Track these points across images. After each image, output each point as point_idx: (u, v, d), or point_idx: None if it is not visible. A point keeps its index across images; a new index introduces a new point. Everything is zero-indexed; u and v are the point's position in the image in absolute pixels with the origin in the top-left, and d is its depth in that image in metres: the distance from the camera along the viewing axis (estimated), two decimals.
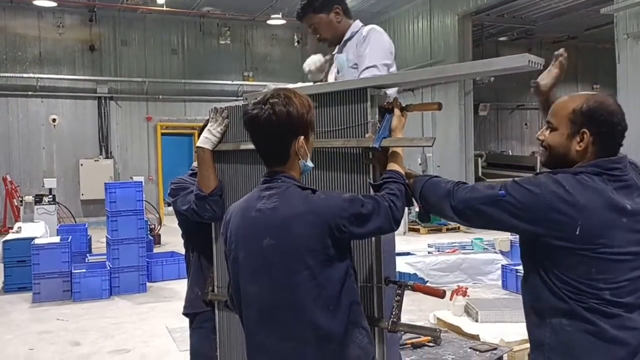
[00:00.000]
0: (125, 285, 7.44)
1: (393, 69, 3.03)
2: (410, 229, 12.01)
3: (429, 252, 8.39)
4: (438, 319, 5.35)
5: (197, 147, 2.73)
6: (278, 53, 17.25)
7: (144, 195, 7.92)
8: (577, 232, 1.72)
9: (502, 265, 7.33)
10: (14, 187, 12.96)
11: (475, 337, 4.35)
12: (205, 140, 2.71)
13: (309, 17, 3.15)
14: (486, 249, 8.17)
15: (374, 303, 2.19)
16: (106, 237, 7.96)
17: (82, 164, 14.80)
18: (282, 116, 1.88)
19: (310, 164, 1.99)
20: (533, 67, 1.90)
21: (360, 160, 2.19)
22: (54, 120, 14.77)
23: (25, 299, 7.24)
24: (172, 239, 10.67)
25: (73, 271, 7.29)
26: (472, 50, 13.88)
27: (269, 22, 15.77)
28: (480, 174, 14.74)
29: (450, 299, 5.29)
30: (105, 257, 8.19)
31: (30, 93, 14.50)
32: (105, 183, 8.07)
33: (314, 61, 3.09)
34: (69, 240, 7.66)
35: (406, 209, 2.09)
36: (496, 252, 7.88)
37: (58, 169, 14.69)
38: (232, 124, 2.71)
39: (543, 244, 1.78)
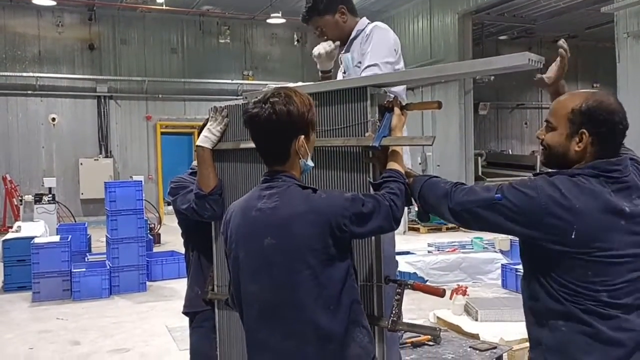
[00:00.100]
0: (125, 285, 7.44)
1: (399, 66, 3.01)
2: (410, 228, 12.02)
3: (428, 252, 8.39)
4: (438, 318, 5.35)
5: (197, 146, 2.73)
6: (278, 52, 17.24)
7: (143, 195, 7.92)
8: (573, 236, 1.70)
9: (501, 264, 7.33)
10: (13, 187, 12.96)
11: (475, 336, 4.35)
12: (205, 139, 2.71)
13: (315, 20, 3.14)
14: (486, 248, 8.17)
15: (374, 302, 2.19)
16: (106, 236, 7.96)
17: (81, 163, 14.80)
18: (282, 115, 1.88)
19: (310, 163, 1.99)
20: (533, 66, 1.89)
21: (360, 159, 2.19)
22: (53, 119, 14.76)
23: (25, 298, 7.24)
24: (172, 238, 10.67)
25: (73, 270, 7.29)
26: (472, 49, 13.88)
27: (269, 21, 15.77)
28: (480, 173, 14.73)
29: (450, 298, 5.29)
30: (105, 256, 8.19)
31: (29, 92, 14.49)
32: (105, 182, 8.06)
33: (323, 47, 3.06)
34: (68, 240, 7.65)
35: (406, 208, 2.09)
36: (496, 251, 7.88)
37: (58, 168, 14.68)
38: (232, 122, 2.70)
39: (540, 247, 1.78)
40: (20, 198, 11.53)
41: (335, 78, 3.16)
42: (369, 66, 2.87)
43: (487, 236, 8.59)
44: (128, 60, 15.49)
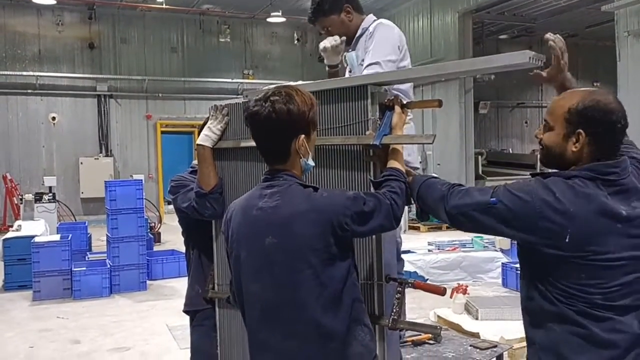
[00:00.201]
0: (125, 283, 7.44)
1: (405, 62, 3.01)
2: (410, 227, 12.01)
3: (429, 250, 8.39)
4: (438, 316, 5.35)
5: (197, 144, 2.73)
6: (278, 51, 17.24)
7: (144, 194, 7.92)
8: (567, 240, 1.69)
9: (502, 263, 7.33)
10: (14, 185, 12.96)
11: (476, 335, 4.35)
12: (206, 137, 2.71)
13: (321, 20, 3.15)
14: (486, 247, 8.17)
15: (374, 300, 2.19)
16: (106, 235, 7.96)
17: (82, 162, 14.80)
18: (282, 114, 1.87)
19: (311, 162, 1.98)
20: (534, 64, 1.89)
21: (361, 158, 2.19)
22: (53, 118, 14.76)
23: (26, 297, 7.24)
24: (172, 237, 10.67)
25: (73, 269, 7.29)
26: (473, 48, 13.86)
27: (269, 19, 15.76)
28: (480, 172, 14.72)
29: (451, 297, 5.29)
30: (105, 255, 8.19)
31: (29, 91, 14.49)
32: (105, 181, 8.06)
33: (329, 41, 3.05)
34: (69, 239, 7.65)
35: (406, 207, 2.09)
36: (496, 250, 7.88)
37: (58, 167, 14.68)
38: (232, 121, 2.70)
39: (535, 250, 1.78)
40: (20, 197, 11.53)
41: (344, 74, 3.15)
42: (370, 64, 2.87)
43: (488, 235, 8.58)
44: (128, 59, 15.48)
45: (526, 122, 19.27)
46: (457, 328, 4.80)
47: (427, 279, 6.97)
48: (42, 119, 14.66)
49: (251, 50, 16.90)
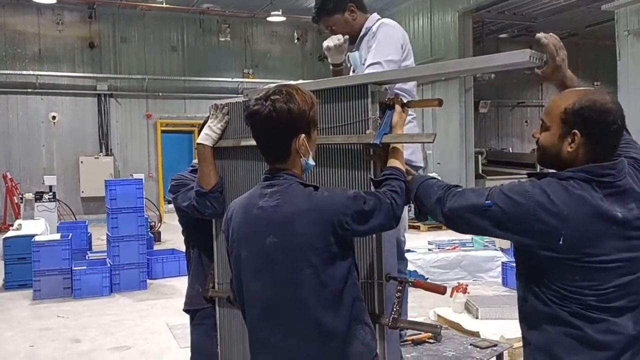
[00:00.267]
0: (125, 283, 7.44)
1: (408, 62, 3.00)
2: (410, 226, 12.00)
3: (429, 250, 8.38)
4: (438, 315, 5.36)
5: (198, 143, 2.72)
6: (278, 50, 17.23)
7: (144, 193, 7.92)
8: (561, 242, 1.69)
9: (502, 262, 7.34)
10: (14, 185, 12.96)
11: (476, 334, 4.35)
12: (206, 136, 2.71)
13: (325, 20, 3.15)
14: (486, 246, 8.17)
15: (374, 299, 2.19)
16: (106, 234, 7.96)
17: (82, 162, 14.80)
18: (282, 113, 1.87)
19: (311, 162, 1.98)
20: (534, 63, 1.89)
21: (361, 157, 2.19)
22: (53, 117, 14.76)
23: (26, 296, 7.24)
24: (173, 236, 10.68)
25: (73, 268, 7.29)
26: (473, 47, 13.85)
27: (269, 19, 15.75)
28: (480, 171, 14.71)
29: (451, 296, 5.29)
30: (105, 254, 8.19)
31: (30, 90, 14.49)
32: (105, 180, 8.07)
33: (332, 40, 3.06)
34: (69, 238, 7.66)
35: (406, 206, 2.09)
36: (496, 249, 7.88)
37: (58, 166, 14.68)
38: (233, 120, 2.70)
39: (530, 251, 1.78)
40: (20, 196, 11.53)
41: (348, 73, 3.15)
42: (372, 64, 2.87)
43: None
44: (128, 59, 15.48)
45: (526, 122, 19.27)
46: (457, 327, 4.81)
47: (427, 278, 6.97)
48: (42, 118, 14.66)
49: (251, 50, 16.90)
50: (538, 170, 1.90)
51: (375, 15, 3.16)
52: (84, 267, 7.45)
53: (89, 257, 8.59)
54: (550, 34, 1.97)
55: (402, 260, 3.00)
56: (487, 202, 1.76)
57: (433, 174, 11.88)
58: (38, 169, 14.43)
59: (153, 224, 11.11)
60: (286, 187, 1.91)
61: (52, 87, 14.70)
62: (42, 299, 7.07)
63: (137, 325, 6.09)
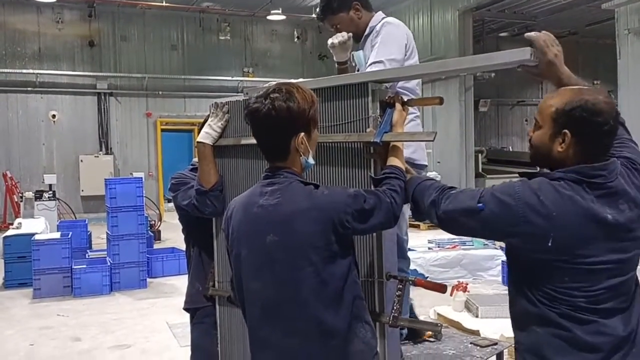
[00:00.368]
0: (125, 281, 7.45)
1: (412, 61, 3.00)
2: (410, 225, 11.92)
3: (429, 248, 8.38)
4: (438, 314, 5.36)
5: (198, 142, 2.72)
6: (278, 49, 17.22)
7: (144, 191, 7.92)
8: (550, 244, 1.67)
9: (502, 261, 7.33)
10: (14, 183, 12.95)
11: (476, 333, 4.35)
12: (206, 135, 2.70)
13: (330, 18, 3.16)
14: (486, 245, 8.17)
15: (375, 298, 2.19)
16: (106, 233, 7.96)
17: (82, 160, 14.80)
18: (281, 111, 1.87)
19: (311, 160, 1.98)
20: (535, 62, 1.88)
21: (362, 155, 2.18)
22: (53, 116, 14.75)
23: (26, 295, 7.24)
24: (173, 235, 10.68)
25: (73, 267, 7.29)
26: (473, 46, 13.85)
27: (269, 17, 15.74)
28: (480, 170, 14.71)
29: (451, 295, 5.30)
30: (105, 253, 8.20)
31: (29, 89, 14.48)
32: (105, 179, 8.07)
33: (337, 38, 3.06)
34: (69, 236, 7.66)
35: (407, 204, 2.09)
36: (496, 248, 7.88)
37: (58, 165, 14.67)
38: (233, 118, 2.70)
39: (520, 253, 1.77)
40: (20, 195, 11.53)
41: (353, 71, 3.16)
42: (374, 62, 2.87)
43: None
44: (128, 57, 15.47)
45: (526, 120, 19.25)
46: (457, 326, 4.81)
47: (427, 277, 6.97)
48: (42, 116, 14.65)
49: (251, 48, 16.89)
50: (525, 171, 1.87)
51: (380, 14, 3.16)
52: (84, 266, 7.46)
53: (89, 255, 8.58)
54: (543, 32, 1.94)
55: (404, 259, 3.00)
56: (479, 204, 1.76)
57: (433, 173, 11.89)
58: (38, 168, 14.43)
59: (153, 222, 11.11)
60: (286, 185, 1.90)
61: (52, 86, 14.69)
62: (42, 298, 7.07)
63: (137, 323, 6.09)
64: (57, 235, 7.98)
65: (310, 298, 1.84)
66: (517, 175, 1.88)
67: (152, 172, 15.60)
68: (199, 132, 2.77)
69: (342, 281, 1.87)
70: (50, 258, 7.18)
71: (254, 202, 1.93)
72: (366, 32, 3.11)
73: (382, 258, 2.17)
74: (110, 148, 15.29)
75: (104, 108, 15.19)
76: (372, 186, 2.07)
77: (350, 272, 1.90)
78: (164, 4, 14.35)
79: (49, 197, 10.93)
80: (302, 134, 1.92)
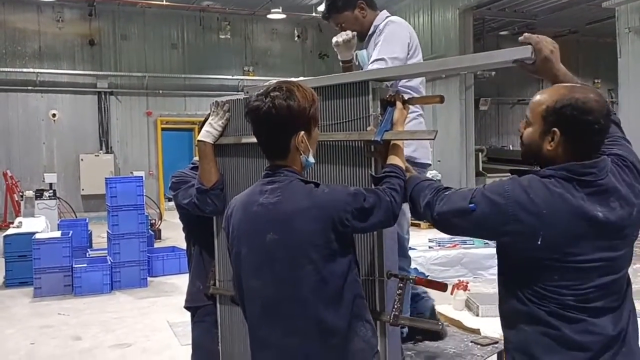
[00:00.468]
0: (126, 280, 7.45)
1: (415, 60, 2.99)
2: (411, 224, 11.99)
3: (429, 247, 8.38)
4: (439, 313, 5.35)
5: (199, 140, 2.72)
6: (278, 47, 17.21)
7: (144, 190, 7.93)
8: (540, 242, 1.67)
9: None
10: (14, 182, 12.96)
11: (476, 331, 4.35)
12: (207, 133, 2.70)
13: (335, 17, 3.17)
14: (487, 243, 8.15)
15: (375, 296, 2.19)
16: (107, 231, 7.97)
17: (82, 159, 14.80)
18: (281, 110, 1.87)
19: (312, 159, 1.98)
20: (533, 58, 1.87)
21: (362, 154, 2.18)
22: (54, 115, 14.75)
23: (26, 294, 7.25)
24: (173, 234, 10.68)
25: (74, 266, 7.30)
26: (473, 44, 13.84)
27: (269, 16, 15.73)
28: (480, 168, 14.71)
29: (451, 294, 5.29)
30: (106, 251, 8.20)
31: (30, 88, 14.47)
32: (105, 178, 8.07)
33: (341, 36, 3.07)
34: (69, 235, 7.66)
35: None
36: None
37: (58, 164, 14.67)
38: (234, 117, 2.70)
39: (509, 250, 1.77)
40: (21, 194, 11.53)
41: (357, 70, 3.16)
42: (376, 60, 2.87)
43: None
44: (128, 56, 15.46)
45: None
46: (458, 324, 4.80)
47: (428, 276, 6.97)
48: (42, 115, 14.65)
49: (251, 47, 16.87)
50: (515, 168, 1.86)
51: (384, 13, 3.16)
52: (85, 265, 7.46)
53: (89, 254, 8.59)
54: (537, 35, 1.92)
55: (405, 257, 3.00)
56: (470, 205, 1.75)
57: (433, 172, 11.89)
58: (38, 167, 14.42)
59: (153, 221, 11.11)
60: (286, 183, 1.90)
61: (52, 85, 14.68)
62: (43, 297, 7.07)
63: (138, 322, 6.09)
64: (57, 234, 7.99)
65: (310, 296, 1.84)
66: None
67: (152, 171, 15.60)
68: (199, 131, 2.77)
69: (342, 280, 1.87)
70: (50, 257, 7.19)
71: (254, 201, 1.93)
72: (370, 31, 3.11)
73: (383, 256, 2.17)
74: (111, 147, 15.29)
75: (105, 107, 15.19)
76: (372, 185, 2.07)
77: (351, 270, 1.90)
78: (164, 2, 14.35)
79: (49, 196, 10.94)
80: (302, 132, 1.91)
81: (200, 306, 2.99)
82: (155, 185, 15.41)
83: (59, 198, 11.48)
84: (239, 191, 2.17)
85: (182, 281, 5.93)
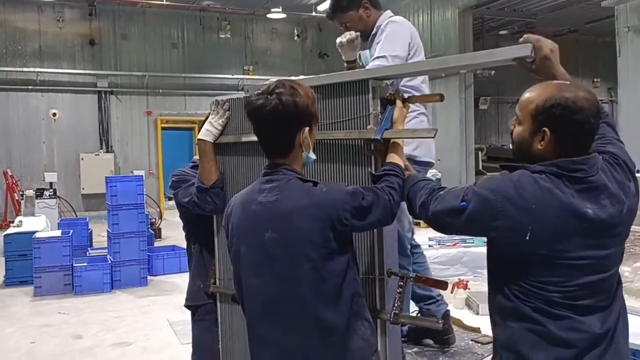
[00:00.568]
0: (126, 279, 7.46)
1: (416, 59, 3.00)
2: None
3: (429, 246, 8.38)
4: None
5: (199, 139, 2.73)
6: (278, 47, 17.21)
7: (144, 189, 7.93)
8: (528, 237, 1.66)
9: None
10: (14, 182, 12.96)
11: (476, 330, 4.35)
12: (207, 132, 2.71)
13: (339, 16, 3.18)
14: (486, 242, 8.17)
15: (376, 295, 2.19)
16: (107, 230, 7.97)
17: (82, 158, 14.80)
18: (289, 106, 1.87)
19: (312, 155, 1.99)
20: (532, 56, 1.88)
21: (362, 152, 2.19)
22: (54, 114, 14.74)
23: (27, 293, 7.25)
24: (173, 233, 10.68)
25: (74, 265, 7.30)
26: (473, 43, 13.83)
27: (269, 16, 15.72)
28: (480, 167, 14.71)
29: (451, 292, 5.31)
30: (106, 250, 8.21)
31: (30, 87, 14.46)
32: (105, 177, 8.07)
33: (345, 36, 3.07)
34: (70, 234, 7.67)
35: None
36: None
37: (58, 163, 14.67)
38: (234, 116, 2.70)
39: (498, 246, 1.77)
40: (21, 193, 11.54)
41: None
42: (376, 57, 2.88)
43: None
44: (128, 56, 15.46)
45: None
46: (458, 323, 4.79)
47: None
48: (42, 115, 14.65)
49: (251, 47, 16.87)
50: (506, 163, 1.86)
51: (388, 13, 3.17)
52: (85, 264, 7.46)
53: (89, 253, 8.60)
54: (537, 35, 1.92)
55: (406, 256, 3.00)
56: (462, 203, 1.75)
57: (433, 171, 11.88)
58: (38, 166, 14.42)
59: (153, 220, 11.12)
60: (285, 182, 1.91)
61: (52, 84, 14.67)
62: (43, 296, 7.08)
63: (138, 321, 6.10)
64: (57, 233, 8.00)
65: (308, 295, 1.85)
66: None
67: (152, 170, 15.60)
68: (199, 131, 2.78)
69: (340, 278, 1.87)
70: (51, 256, 7.19)
71: (253, 199, 1.94)
72: (373, 32, 3.12)
73: (383, 255, 2.17)
74: (111, 146, 15.29)
75: (105, 106, 15.19)
76: (371, 183, 2.07)
77: (349, 269, 1.90)
78: (164, 2, 14.34)
79: (49, 195, 10.94)
80: (307, 128, 1.92)
81: (200, 305, 2.99)
82: (156, 184, 15.41)
83: (59, 197, 11.48)
84: (239, 190, 2.18)
85: (182, 280, 5.94)
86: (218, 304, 2.89)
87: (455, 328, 3.64)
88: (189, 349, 3.17)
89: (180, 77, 15.86)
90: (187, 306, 3.11)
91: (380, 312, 2.17)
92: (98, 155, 14.96)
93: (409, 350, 3.04)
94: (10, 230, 8.27)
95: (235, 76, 16.31)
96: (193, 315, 3.08)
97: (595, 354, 1.69)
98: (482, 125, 17.98)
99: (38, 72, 14.44)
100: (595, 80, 18.03)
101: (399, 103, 2.14)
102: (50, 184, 11.53)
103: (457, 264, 7.42)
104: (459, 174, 13.25)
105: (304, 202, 1.86)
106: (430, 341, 3.17)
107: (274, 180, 1.92)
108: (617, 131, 1.96)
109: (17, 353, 5.29)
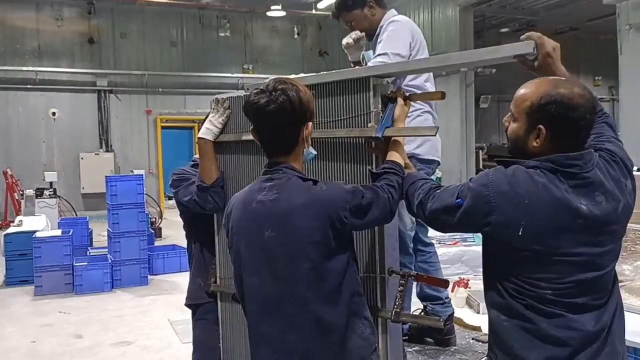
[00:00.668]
0: (126, 278, 7.45)
1: (420, 57, 3.00)
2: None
3: None
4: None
5: (199, 138, 2.72)
6: (278, 45, 17.19)
7: (144, 189, 7.92)
8: (520, 233, 1.65)
9: None
10: (14, 181, 12.96)
11: (477, 329, 4.34)
12: (207, 131, 2.70)
13: (344, 15, 3.18)
14: None
15: (377, 293, 2.18)
16: (107, 230, 7.96)
17: (82, 158, 14.79)
18: (295, 103, 1.87)
19: (313, 150, 2.00)
20: (534, 53, 1.87)
21: (363, 150, 2.18)
22: (53, 113, 14.74)
23: (27, 292, 7.25)
24: (173, 232, 10.68)
25: (75, 264, 7.30)
26: (474, 41, 13.82)
27: (269, 14, 15.70)
28: (481, 166, 14.70)
29: (452, 291, 5.30)
30: (106, 250, 8.20)
31: (29, 86, 14.45)
32: (105, 176, 8.07)
33: (350, 36, 3.07)
34: (70, 234, 7.67)
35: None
36: None
37: (58, 162, 14.67)
38: (234, 114, 2.69)
39: (491, 243, 1.76)
40: (21, 192, 11.53)
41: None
42: (378, 55, 2.88)
43: None
44: (128, 54, 15.44)
45: None
46: (459, 322, 4.79)
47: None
48: (42, 114, 14.64)
49: (251, 45, 16.85)
50: (501, 159, 1.84)
51: (392, 12, 3.17)
52: (85, 263, 7.46)
53: (90, 253, 8.59)
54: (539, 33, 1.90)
55: (408, 254, 3.00)
56: (457, 200, 1.75)
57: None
58: (38, 165, 14.41)
59: (154, 220, 11.11)
60: (285, 181, 1.90)
61: (51, 83, 14.66)
62: (44, 295, 7.07)
63: (139, 320, 6.09)
64: (58, 232, 7.99)
65: (308, 294, 1.84)
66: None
67: (152, 169, 15.60)
68: (199, 129, 2.77)
69: (340, 277, 1.86)
70: (51, 255, 7.19)
71: (253, 198, 1.93)
72: (378, 31, 3.12)
73: (384, 253, 2.17)
74: (111, 145, 15.28)
75: (104, 105, 15.18)
76: (371, 181, 2.06)
77: (349, 267, 1.90)
78: (163, 0, 14.31)
79: (49, 195, 10.93)
80: (310, 123, 1.94)
81: (201, 304, 2.99)
82: (156, 184, 15.41)
83: (59, 197, 11.48)
84: (240, 188, 2.17)
85: (182, 279, 5.94)
86: (219, 302, 2.88)
87: (456, 327, 3.63)
88: (189, 348, 3.17)
89: (179, 75, 15.85)
90: (187, 305, 3.10)
91: (381, 310, 2.16)
92: (98, 154, 14.95)
93: (410, 349, 3.04)
94: (11, 229, 8.27)
95: (235, 75, 16.29)
96: (194, 314, 3.08)
97: (589, 352, 1.68)
98: (483, 124, 17.96)
99: (37, 71, 14.42)
100: (596, 78, 18.01)
101: (400, 101, 2.13)
102: (50, 183, 11.53)
103: (457, 263, 7.42)
104: (459, 173, 13.24)
105: (303, 200, 1.85)
106: (431, 340, 3.16)
107: (274, 179, 1.92)
108: (617, 130, 1.95)
109: (18, 352, 5.28)
